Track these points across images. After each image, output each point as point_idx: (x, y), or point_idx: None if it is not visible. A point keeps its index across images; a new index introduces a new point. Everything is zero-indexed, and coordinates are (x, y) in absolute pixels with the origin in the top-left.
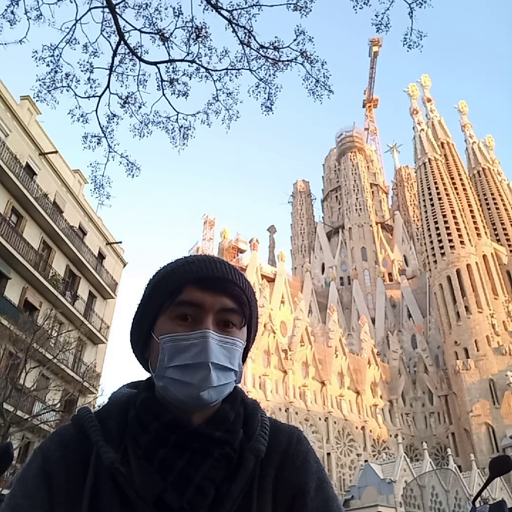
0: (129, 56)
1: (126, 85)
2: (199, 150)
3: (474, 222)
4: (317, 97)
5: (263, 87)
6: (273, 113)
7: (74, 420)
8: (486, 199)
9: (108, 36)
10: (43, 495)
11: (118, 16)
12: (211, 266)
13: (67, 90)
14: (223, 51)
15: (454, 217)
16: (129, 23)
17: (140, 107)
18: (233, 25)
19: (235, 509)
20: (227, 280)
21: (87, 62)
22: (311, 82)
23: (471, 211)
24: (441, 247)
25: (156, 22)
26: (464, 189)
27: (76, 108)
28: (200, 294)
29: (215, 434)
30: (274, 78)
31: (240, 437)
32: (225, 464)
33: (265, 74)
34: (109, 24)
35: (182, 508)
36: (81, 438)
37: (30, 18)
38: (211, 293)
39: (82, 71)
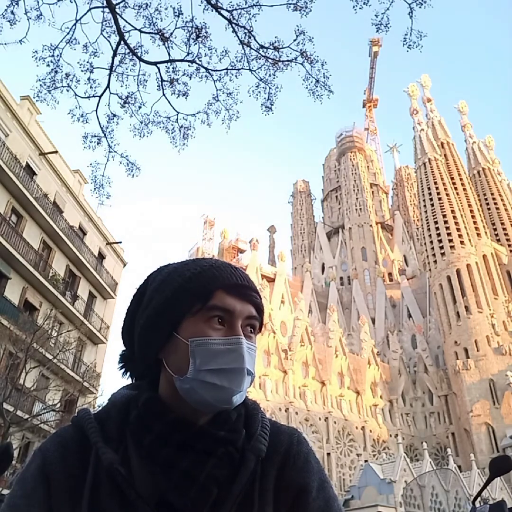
0: (129, 56)
1: (126, 85)
2: (199, 150)
3: (474, 222)
4: (317, 97)
5: (263, 87)
6: (273, 113)
7: (74, 421)
8: (486, 199)
9: (108, 36)
10: (42, 495)
11: (118, 16)
12: (237, 273)
13: (67, 90)
14: (223, 51)
15: (454, 217)
16: (129, 23)
17: (140, 107)
18: (233, 25)
19: (236, 508)
20: (251, 288)
21: (87, 62)
22: (311, 82)
23: (471, 211)
24: (441, 247)
25: (156, 22)
26: (464, 189)
27: (76, 108)
28: (232, 301)
29: (219, 434)
30: (274, 78)
31: (243, 437)
32: (227, 463)
33: (265, 74)
34: (109, 24)
35: (186, 508)
36: (80, 439)
37: (30, 18)
38: (240, 300)
39: (82, 71)
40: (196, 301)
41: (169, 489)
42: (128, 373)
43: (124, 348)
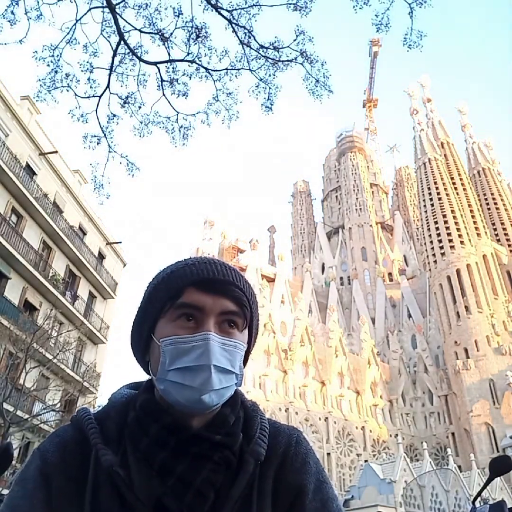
0: (129, 56)
1: (126, 85)
2: (199, 150)
3: (474, 222)
4: (317, 97)
5: (263, 87)
6: (273, 113)
7: (73, 421)
8: (486, 199)
9: (108, 36)
10: (41, 497)
11: (118, 16)
12: (211, 268)
13: (67, 90)
14: (223, 51)
15: (454, 217)
16: (129, 23)
17: (140, 107)
18: (233, 25)
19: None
20: (227, 282)
21: (87, 62)
22: (311, 82)
23: (471, 211)
24: (441, 247)
25: (156, 22)
26: (464, 189)
27: (76, 108)
28: (201, 297)
29: (215, 438)
30: (274, 78)
31: (240, 440)
32: (224, 467)
33: (265, 74)
34: (109, 24)
35: None
36: (80, 439)
37: (30, 18)
38: (212, 295)
39: (82, 71)
40: (167, 301)
41: (165, 493)
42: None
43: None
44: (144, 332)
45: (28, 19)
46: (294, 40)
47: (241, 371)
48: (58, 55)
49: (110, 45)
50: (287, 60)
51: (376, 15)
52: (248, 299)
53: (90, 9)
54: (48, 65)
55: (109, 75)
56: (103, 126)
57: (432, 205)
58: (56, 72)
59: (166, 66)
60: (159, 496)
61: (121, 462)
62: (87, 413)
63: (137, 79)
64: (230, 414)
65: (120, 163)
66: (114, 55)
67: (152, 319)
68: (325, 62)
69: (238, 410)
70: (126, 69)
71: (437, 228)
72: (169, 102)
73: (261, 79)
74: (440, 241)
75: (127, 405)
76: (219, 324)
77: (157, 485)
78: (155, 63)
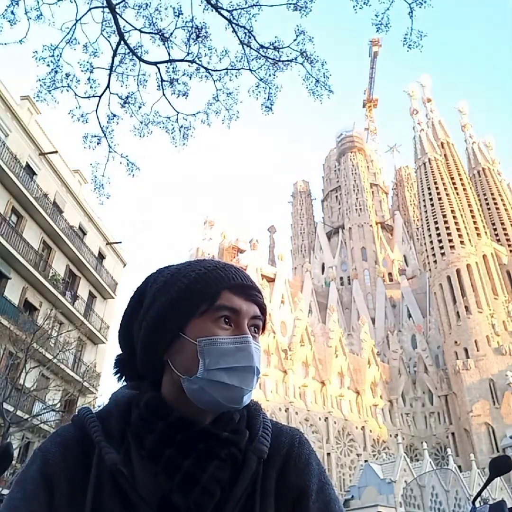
0: (129, 56)
1: (126, 85)
2: (200, 150)
3: (474, 222)
4: (317, 97)
5: (263, 87)
6: (273, 113)
7: (75, 420)
8: (486, 199)
9: (108, 36)
10: (43, 498)
11: (118, 16)
12: (241, 274)
13: (67, 90)
14: (223, 51)
15: (454, 217)
16: (129, 23)
17: (140, 107)
18: (233, 25)
19: (238, 510)
20: (255, 288)
21: (87, 62)
22: (311, 82)
23: (471, 211)
24: (441, 247)
25: (156, 22)
26: (464, 189)
27: (76, 108)
28: (238, 300)
29: (222, 435)
30: (274, 78)
31: (246, 438)
32: (230, 465)
33: (265, 74)
34: (109, 24)
35: (189, 509)
36: (82, 438)
37: (30, 18)
38: (245, 300)
39: (82, 71)
40: (203, 302)
41: (171, 490)
42: (124, 378)
43: (120, 352)
44: (170, 329)
45: (28, 19)
46: (294, 40)
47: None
48: (58, 55)
49: (110, 45)
50: (287, 60)
51: (376, 15)
52: (265, 305)
53: (90, 9)
54: (48, 65)
55: (109, 75)
56: (103, 126)
57: (432, 205)
58: (56, 72)
59: (166, 66)
60: (165, 493)
61: (124, 461)
62: (89, 412)
63: (137, 79)
64: (235, 412)
65: (120, 163)
66: (114, 55)
67: (185, 318)
68: (325, 62)
69: (242, 408)
70: (126, 69)
71: (437, 228)
72: (169, 102)
73: (261, 79)
74: (440, 241)
75: (129, 404)
76: (249, 328)
77: (164, 482)
78: (155, 63)
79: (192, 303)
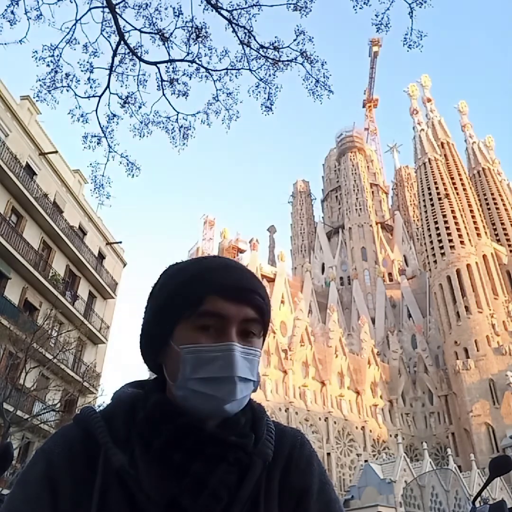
0: (129, 56)
1: (126, 85)
2: (199, 150)
3: (474, 222)
4: (317, 97)
5: (263, 87)
6: (273, 113)
7: (78, 420)
8: (486, 199)
9: (108, 36)
10: (47, 501)
11: (118, 16)
12: (233, 275)
13: (67, 90)
14: (223, 51)
15: (454, 217)
16: (129, 23)
17: (140, 107)
18: (233, 25)
19: None
20: (249, 290)
21: (87, 62)
22: (311, 82)
23: (471, 211)
24: (441, 247)
25: (156, 22)
26: (464, 189)
27: (76, 108)
28: (224, 305)
29: (230, 439)
30: (274, 78)
31: (252, 441)
32: (237, 468)
33: (265, 74)
34: (109, 24)
35: None
36: (86, 439)
37: (30, 18)
38: (235, 303)
39: (82, 71)
40: (188, 307)
41: (180, 493)
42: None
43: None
44: (159, 336)
45: (28, 19)
46: (294, 40)
47: (258, 378)
48: (58, 55)
49: (110, 45)
50: (287, 60)
51: (376, 15)
52: (267, 306)
53: (90, 9)
54: (48, 65)
55: (109, 75)
56: (103, 126)
57: (432, 205)
58: (56, 72)
59: (166, 66)
60: (174, 496)
61: (130, 462)
62: (93, 412)
63: (137, 79)
64: (241, 416)
65: (120, 163)
66: (114, 55)
67: (169, 324)
68: (325, 62)
69: (247, 411)
70: (126, 69)
71: (437, 228)
72: (169, 102)
73: (261, 79)
74: (440, 241)
75: (134, 404)
76: (239, 332)
77: (171, 485)
78: (155, 63)
79: (177, 309)
